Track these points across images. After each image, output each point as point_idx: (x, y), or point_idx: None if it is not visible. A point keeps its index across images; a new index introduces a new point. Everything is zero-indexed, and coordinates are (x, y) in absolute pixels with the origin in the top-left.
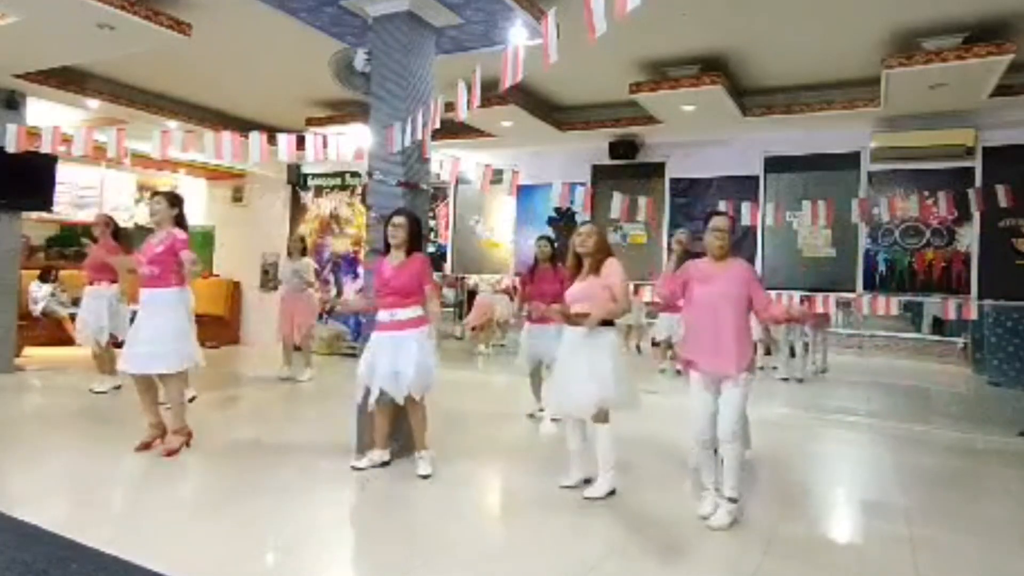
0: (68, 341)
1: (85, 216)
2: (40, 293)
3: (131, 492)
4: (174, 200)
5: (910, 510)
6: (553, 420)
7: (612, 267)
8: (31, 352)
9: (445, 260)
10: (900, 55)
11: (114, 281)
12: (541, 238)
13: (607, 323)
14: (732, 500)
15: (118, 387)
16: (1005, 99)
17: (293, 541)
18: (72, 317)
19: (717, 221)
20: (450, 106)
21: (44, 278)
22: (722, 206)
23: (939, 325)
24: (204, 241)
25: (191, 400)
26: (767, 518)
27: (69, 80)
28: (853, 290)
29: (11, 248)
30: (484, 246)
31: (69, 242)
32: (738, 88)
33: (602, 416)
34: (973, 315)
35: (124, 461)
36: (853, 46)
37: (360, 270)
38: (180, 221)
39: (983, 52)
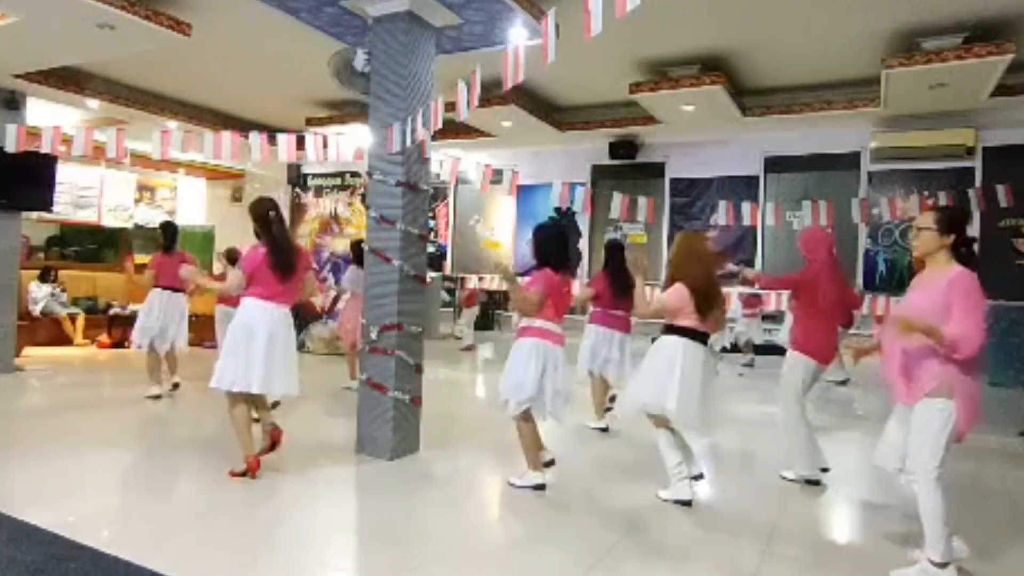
0: (68, 341)
1: (85, 216)
2: (40, 293)
3: (131, 492)
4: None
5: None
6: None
7: (668, 290)
8: (31, 352)
9: (445, 260)
10: (900, 55)
11: (177, 289)
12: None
13: (669, 331)
14: (934, 564)
15: (159, 396)
16: (1005, 99)
17: (293, 542)
18: (72, 317)
19: (919, 218)
20: (450, 106)
21: (44, 278)
22: (722, 206)
23: None
24: (204, 241)
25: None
26: (767, 518)
27: (69, 80)
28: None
29: (11, 248)
30: (484, 246)
31: (69, 242)
32: (738, 88)
33: (657, 420)
34: None
35: (124, 461)
36: (853, 46)
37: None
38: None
39: (983, 52)
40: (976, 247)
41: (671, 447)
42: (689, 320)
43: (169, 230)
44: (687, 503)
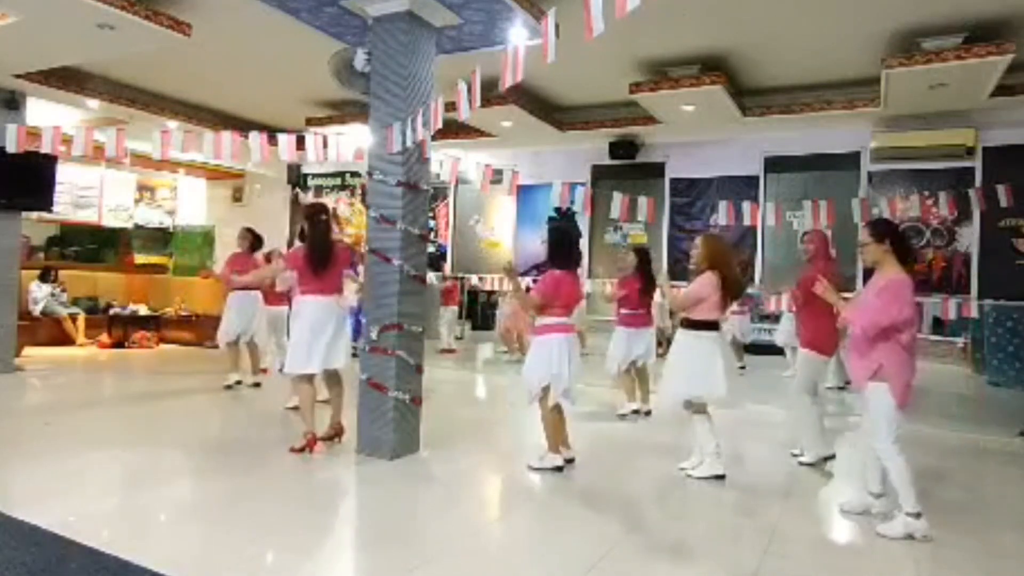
0: (68, 341)
1: (85, 216)
2: (40, 293)
3: (132, 492)
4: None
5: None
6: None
7: (696, 281)
8: (31, 352)
9: (445, 260)
10: (900, 55)
11: (253, 288)
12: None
13: (702, 327)
14: (910, 515)
15: (239, 382)
16: (1005, 99)
17: (294, 541)
18: (72, 317)
19: (860, 235)
20: (450, 106)
21: (44, 278)
22: (722, 206)
23: (939, 325)
24: (204, 240)
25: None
26: (767, 517)
27: (69, 80)
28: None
29: (11, 248)
30: (484, 246)
31: (69, 242)
32: (738, 88)
33: (697, 407)
34: (973, 315)
35: (125, 460)
36: (853, 46)
37: (360, 269)
38: (305, 233)
39: (983, 52)
40: (975, 246)
41: (710, 431)
42: (711, 312)
43: (256, 234)
44: (722, 476)
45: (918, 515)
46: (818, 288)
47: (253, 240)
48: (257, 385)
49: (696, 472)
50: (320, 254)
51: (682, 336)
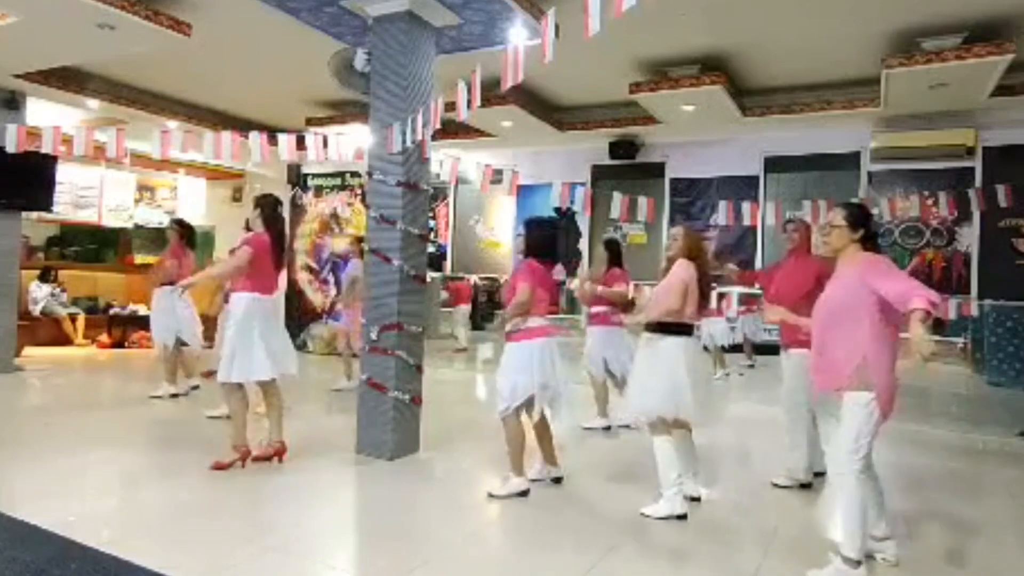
0: (68, 341)
1: (85, 216)
2: (40, 293)
3: (131, 492)
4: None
5: (909, 510)
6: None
7: (674, 269)
8: (31, 352)
9: (445, 260)
10: (900, 55)
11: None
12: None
13: (668, 330)
14: (848, 560)
15: (175, 395)
16: (1005, 99)
17: (293, 541)
18: (72, 317)
19: (830, 215)
20: (450, 106)
21: (44, 278)
22: (722, 206)
23: (939, 325)
24: (204, 241)
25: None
26: (768, 518)
27: (69, 80)
28: None
29: (11, 248)
30: (484, 246)
31: (69, 242)
32: (738, 88)
33: (658, 428)
34: (973, 315)
35: (125, 460)
36: (853, 46)
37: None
38: (267, 222)
39: (983, 52)
40: (975, 246)
41: (672, 459)
42: (686, 313)
43: (186, 225)
44: (683, 517)
45: (858, 563)
46: (770, 315)
47: (181, 232)
48: (195, 388)
49: (651, 511)
50: (282, 247)
51: (645, 340)
